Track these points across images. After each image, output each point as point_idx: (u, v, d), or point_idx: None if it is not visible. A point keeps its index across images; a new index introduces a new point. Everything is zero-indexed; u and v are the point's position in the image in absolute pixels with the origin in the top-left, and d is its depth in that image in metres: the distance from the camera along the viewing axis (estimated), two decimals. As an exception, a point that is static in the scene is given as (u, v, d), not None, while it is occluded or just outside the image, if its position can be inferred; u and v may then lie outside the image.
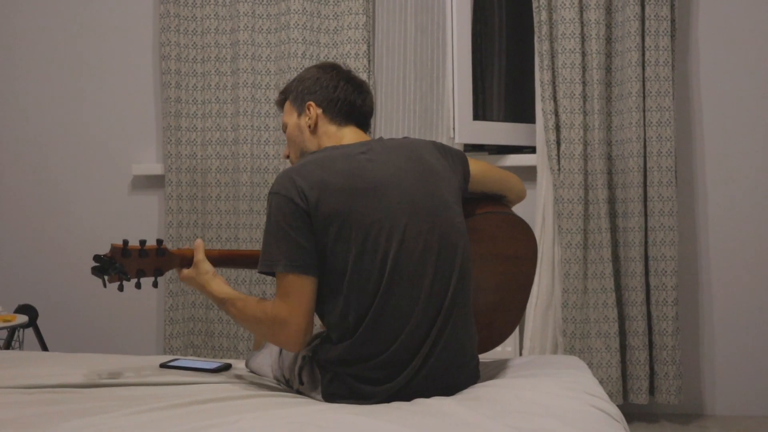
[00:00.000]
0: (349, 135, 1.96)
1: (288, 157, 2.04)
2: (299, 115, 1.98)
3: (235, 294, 1.91)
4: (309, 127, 1.96)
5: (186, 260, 1.99)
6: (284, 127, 2.03)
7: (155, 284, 1.99)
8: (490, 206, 2.08)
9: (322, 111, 1.96)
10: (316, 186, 1.77)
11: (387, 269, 1.76)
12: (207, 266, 1.95)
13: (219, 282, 1.94)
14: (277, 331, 1.79)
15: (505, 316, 2.15)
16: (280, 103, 2.06)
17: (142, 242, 1.94)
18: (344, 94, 1.97)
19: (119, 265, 1.89)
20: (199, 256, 1.96)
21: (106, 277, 1.90)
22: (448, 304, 1.80)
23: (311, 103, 1.96)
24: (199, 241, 1.99)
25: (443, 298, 1.80)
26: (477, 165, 2.03)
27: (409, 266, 1.77)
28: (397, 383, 1.78)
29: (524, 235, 2.12)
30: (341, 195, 1.77)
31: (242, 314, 1.87)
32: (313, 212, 1.76)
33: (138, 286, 1.96)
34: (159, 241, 1.97)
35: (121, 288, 1.93)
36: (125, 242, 1.91)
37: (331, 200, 1.76)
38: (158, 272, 1.96)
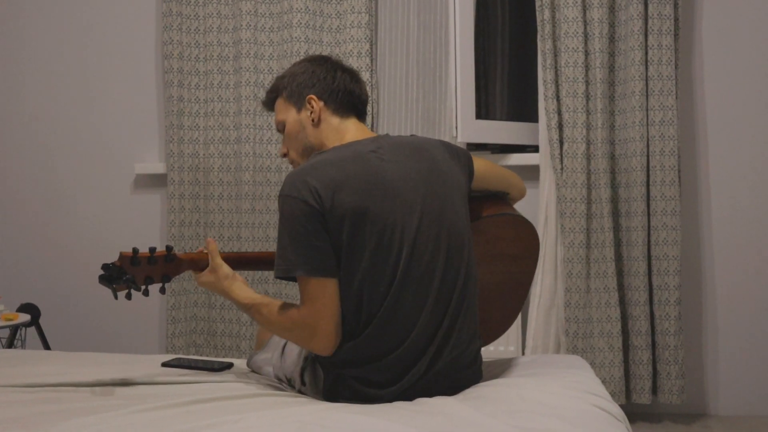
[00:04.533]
0: (353, 128, 1.92)
1: (285, 155, 1.99)
2: (299, 110, 1.93)
3: (260, 299, 1.87)
4: (312, 121, 1.92)
5: (195, 264, 1.95)
6: (280, 126, 1.97)
7: (162, 290, 1.95)
8: (496, 207, 2.07)
9: (324, 103, 1.92)
10: (330, 186, 1.74)
11: (399, 270, 1.75)
12: (226, 270, 1.91)
13: (241, 286, 1.90)
14: (306, 338, 1.77)
15: (503, 312, 2.16)
16: (270, 103, 2.00)
17: (152, 249, 1.89)
18: (344, 84, 1.93)
19: (130, 276, 1.85)
20: (216, 260, 1.91)
21: (114, 286, 1.84)
22: (454, 306, 1.80)
23: (312, 96, 1.92)
24: (211, 242, 1.93)
25: (449, 300, 1.79)
26: (480, 163, 2.02)
27: (420, 268, 1.76)
28: (401, 386, 1.77)
29: (528, 234, 2.12)
30: (355, 195, 1.74)
31: (269, 321, 1.84)
32: (327, 212, 1.73)
33: (146, 293, 1.92)
34: (168, 248, 1.92)
35: (129, 296, 1.87)
36: (135, 250, 1.86)
37: (345, 200, 1.73)
38: (166, 278, 1.93)
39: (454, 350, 1.81)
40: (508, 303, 2.16)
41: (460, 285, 1.81)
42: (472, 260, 1.86)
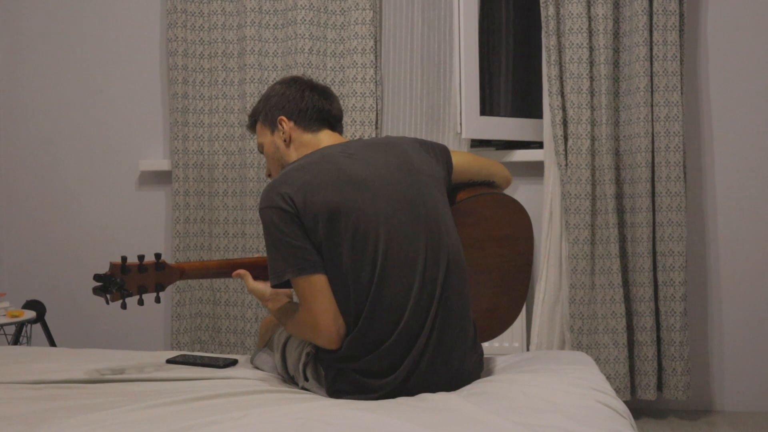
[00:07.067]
0: (326, 139, 2.01)
1: (270, 175, 2.09)
2: (273, 132, 2.03)
3: (281, 310, 1.95)
4: (284, 141, 2.01)
5: (187, 274, 2.03)
6: (260, 148, 2.08)
7: (158, 299, 2.01)
8: (473, 190, 2.11)
9: (294, 123, 2.01)
10: (301, 188, 1.80)
11: (379, 259, 1.79)
12: (259, 294, 1.99)
13: (274, 302, 1.97)
14: (311, 336, 1.84)
15: (508, 300, 2.17)
16: (252, 127, 2.11)
17: (141, 257, 1.96)
18: (312, 102, 2.02)
19: (120, 281, 1.91)
20: (249, 286, 2.00)
21: (108, 296, 1.91)
22: (441, 289, 1.83)
23: (282, 117, 2.01)
24: (241, 272, 2.01)
25: (435, 283, 1.82)
26: (459, 156, 2.08)
27: (400, 254, 1.80)
28: (401, 373, 1.79)
29: (517, 214, 2.14)
30: (327, 192, 1.80)
31: (290, 330, 1.93)
32: (301, 213, 1.79)
33: (140, 302, 1.97)
34: (157, 255, 1.99)
35: (123, 306, 1.95)
36: (124, 258, 1.94)
37: (317, 199, 1.79)
38: (159, 287, 1.99)
39: (447, 332, 1.83)
40: (512, 290, 2.17)
41: (444, 268, 1.84)
42: (456, 245, 1.89)
